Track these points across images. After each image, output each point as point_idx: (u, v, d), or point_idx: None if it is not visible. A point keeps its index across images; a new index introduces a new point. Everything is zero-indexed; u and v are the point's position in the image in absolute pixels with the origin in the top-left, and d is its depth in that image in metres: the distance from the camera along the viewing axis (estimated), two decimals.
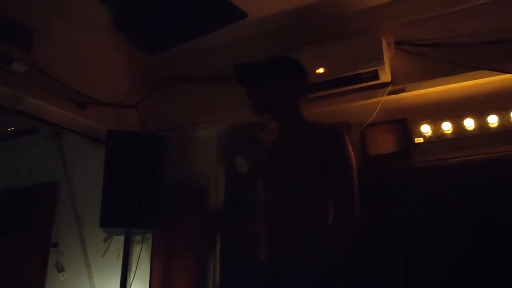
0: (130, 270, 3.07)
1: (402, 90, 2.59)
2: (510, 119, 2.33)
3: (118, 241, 3.19)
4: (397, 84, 2.58)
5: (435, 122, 2.49)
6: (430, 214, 2.29)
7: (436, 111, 2.51)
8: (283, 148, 1.82)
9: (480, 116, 2.40)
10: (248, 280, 2.62)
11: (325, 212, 1.67)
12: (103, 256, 3.32)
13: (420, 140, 2.51)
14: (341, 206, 1.64)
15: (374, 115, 2.59)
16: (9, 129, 3.87)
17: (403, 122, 2.58)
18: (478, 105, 2.42)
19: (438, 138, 2.47)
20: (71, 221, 3.51)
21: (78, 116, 2.98)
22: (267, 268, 1.68)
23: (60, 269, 3.46)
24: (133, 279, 3.09)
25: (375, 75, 2.54)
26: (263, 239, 1.71)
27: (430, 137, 2.50)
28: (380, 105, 2.59)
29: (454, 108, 2.47)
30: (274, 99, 1.89)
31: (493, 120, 2.37)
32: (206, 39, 3.11)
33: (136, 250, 3.15)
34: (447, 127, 2.46)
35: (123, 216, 2.77)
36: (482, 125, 2.39)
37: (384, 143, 2.58)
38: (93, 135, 3.21)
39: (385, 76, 2.54)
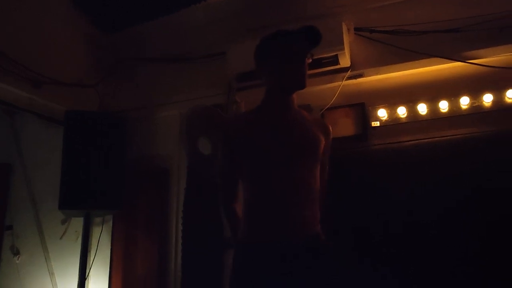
0: (90, 252, 3.04)
1: (360, 75, 2.69)
2: (459, 105, 2.48)
3: (77, 222, 3.15)
4: (356, 69, 2.69)
5: (391, 106, 2.62)
6: (386, 195, 2.41)
7: (392, 96, 2.63)
8: (295, 130, 1.69)
9: (432, 101, 2.54)
10: (210, 261, 2.65)
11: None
12: (61, 238, 3.26)
13: (377, 123, 2.63)
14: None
15: (334, 98, 2.68)
16: None
17: (361, 106, 2.68)
18: (430, 91, 2.56)
19: (393, 122, 2.60)
20: (27, 203, 3.40)
21: (34, 96, 2.87)
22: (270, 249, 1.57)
23: (16, 252, 3.36)
24: (93, 261, 3.06)
25: (335, 60, 2.62)
26: (272, 218, 1.61)
27: (386, 121, 2.62)
28: (339, 89, 2.69)
29: (408, 94, 2.60)
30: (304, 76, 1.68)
31: (443, 106, 2.51)
32: (168, 20, 3.07)
33: (96, 232, 3.12)
34: (402, 111, 2.59)
35: (82, 197, 2.72)
36: (434, 110, 2.53)
37: (343, 126, 2.67)
38: (50, 115, 3.11)
39: (345, 61, 2.62)
